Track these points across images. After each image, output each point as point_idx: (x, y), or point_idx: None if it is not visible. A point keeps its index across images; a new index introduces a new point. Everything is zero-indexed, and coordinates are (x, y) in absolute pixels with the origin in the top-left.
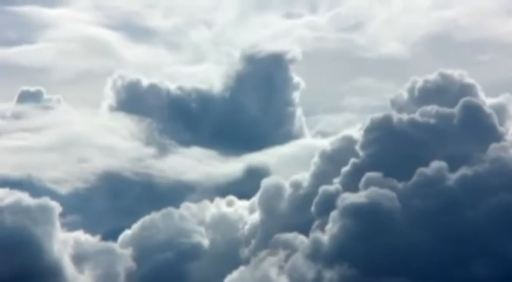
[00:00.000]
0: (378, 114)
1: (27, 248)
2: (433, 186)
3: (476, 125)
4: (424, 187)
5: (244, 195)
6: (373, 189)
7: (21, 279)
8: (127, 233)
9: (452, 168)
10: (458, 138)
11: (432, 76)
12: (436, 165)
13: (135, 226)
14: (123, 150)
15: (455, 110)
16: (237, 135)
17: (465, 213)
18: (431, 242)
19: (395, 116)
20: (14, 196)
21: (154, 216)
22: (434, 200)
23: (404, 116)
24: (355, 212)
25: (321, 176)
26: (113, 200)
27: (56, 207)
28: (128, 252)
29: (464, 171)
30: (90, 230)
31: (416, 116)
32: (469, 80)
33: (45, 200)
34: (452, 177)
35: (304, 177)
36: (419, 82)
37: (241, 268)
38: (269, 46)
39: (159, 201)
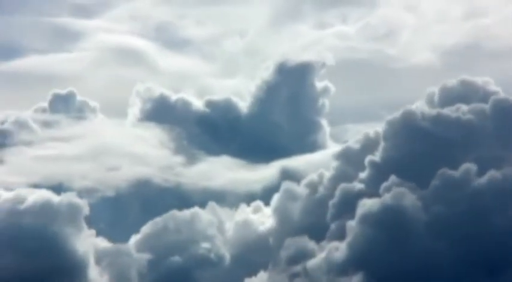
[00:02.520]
0: (396, 113)
1: (51, 246)
2: (458, 190)
3: (507, 124)
4: (448, 191)
5: None
6: (394, 194)
7: (41, 276)
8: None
9: (479, 170)
10: (487, 138)
11: (451, 84)
12: (464, 167)
13: (146, 227)
14: (153, 159)
15: (486, 106)
16: (266, 146)
17: (493, 220)
18: (455, 250)
19: (418, 111)
20: (39, 193)
21: (177, 214)
22: (459, 205)
23: (432, 111)
24: (374, 219)
25: (340, 178)
26: (143, 208)
27: (84, 205)
28: (145, 256)
29: (492, 174)
30: (119, 237)
31: (441, 111)
32: (494, 87)
33: (72, 197)
34: (480, 181)
35: (321, 177)
36: (437, 92)
37: (247, 280)
38: (299, 56)
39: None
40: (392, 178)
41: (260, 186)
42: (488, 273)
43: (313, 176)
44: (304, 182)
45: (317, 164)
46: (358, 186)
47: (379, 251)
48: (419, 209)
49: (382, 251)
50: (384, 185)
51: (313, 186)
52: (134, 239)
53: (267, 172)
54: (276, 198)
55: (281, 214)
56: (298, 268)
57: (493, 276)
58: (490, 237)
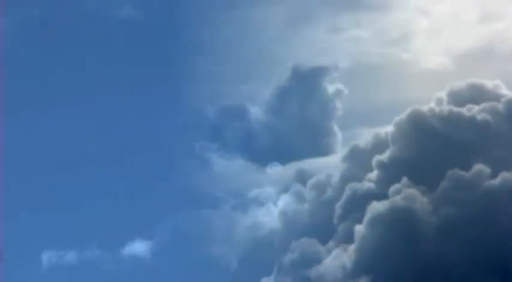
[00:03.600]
0: (403, 114)
1: None
2: (469, 192)
3: None
4: (459, 193)
5: None
6: (403, 197)
7: None
8: None
9: (492, 172)
10: (500, 138)
11: (459, 88)
12: (476, 168)
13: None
14: None
15: (499, 105)
16: (280, 150)
17: (505, 223)
18: (467, 254)
19: (426, 109)
20: None
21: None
22: (471, 207)
23: (442, 110)
24: (383, 222)
25: (348, 179)
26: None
27: None
28: None
29: (505, 175)
30: None
31: (452, 110)
32: (504, 90)
33: None
34: (493, 182)
35: (329, 178)
36: (445, 96)
37: None
38: (313, 60)
39: None
40: (404, 180)
41: (273, 189)
42: (500, 277)
43: (320, 177)
44: (310, 182)
45: (331, 167)
46: (366, 185)
47: (387, 254)
48: (430, 211)
49: (391, 254)
50: (393, 187)
51: (320, 188)
52: None
53: (280, 175)
54: (282, 199)
55: (288, 216)
56: (304, 272)
57: (504, 280)
58: (503, 240)
